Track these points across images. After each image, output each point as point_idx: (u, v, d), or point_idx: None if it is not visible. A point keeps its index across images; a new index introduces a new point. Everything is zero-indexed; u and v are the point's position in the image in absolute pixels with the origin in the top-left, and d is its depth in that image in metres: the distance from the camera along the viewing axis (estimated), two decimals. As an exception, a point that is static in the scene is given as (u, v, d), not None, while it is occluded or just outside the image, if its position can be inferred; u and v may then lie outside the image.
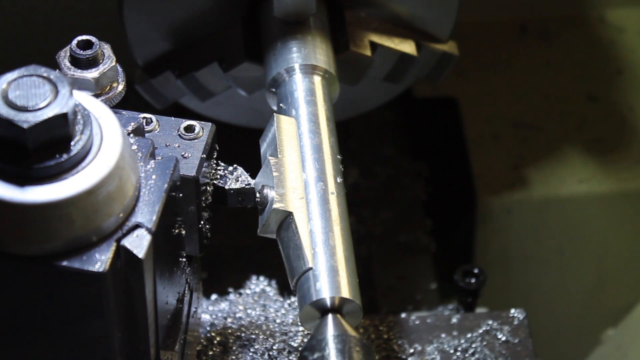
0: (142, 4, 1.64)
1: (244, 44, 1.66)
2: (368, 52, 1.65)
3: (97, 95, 1.31)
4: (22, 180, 1.13)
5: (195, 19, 1.67)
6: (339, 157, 1.46)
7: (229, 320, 1.59)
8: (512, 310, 1.62)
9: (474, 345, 1.58)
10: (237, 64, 1.66)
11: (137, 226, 1.19)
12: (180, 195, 1.28)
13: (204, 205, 1.35)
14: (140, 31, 1.67)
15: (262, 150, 1.46)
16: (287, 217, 1.37)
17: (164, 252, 1.26)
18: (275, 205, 1.36)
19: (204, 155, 1.33)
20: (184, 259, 1.35)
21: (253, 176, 1.40)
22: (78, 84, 1.30)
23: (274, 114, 1.47)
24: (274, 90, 1.57)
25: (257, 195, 1.38)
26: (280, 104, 1.54)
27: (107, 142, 1.17)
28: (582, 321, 2.28)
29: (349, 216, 1.41)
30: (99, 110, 1.20)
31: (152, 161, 1.25)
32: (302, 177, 1.40)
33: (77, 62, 1.31)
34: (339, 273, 1.33)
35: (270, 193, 1.37)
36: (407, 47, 1.68)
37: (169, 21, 1.67)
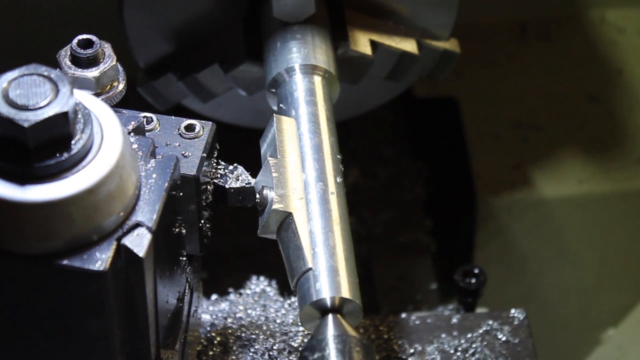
0: (142, 6, 1.64)
1: (244, 45, 1.66)
2: (369, 51, 1.65)
3: (97, 94, 1.31)
4: (22, 179, 1.13)
5: (196, 21, 1.67)
6: (339, 157, 1.46)
7: (229, 320, 1.59)
8: (512, 310, 1.62)
9: (474, 346, 1.58)
10: (238, 64, 1.66)
11: (137, 225, 1.19)
12: (181, 194, 1.29)
13: (204, 204, 1.35)
14: (141, 33, 1.67)
15: (262, 151, 1.46)
16: (286, 218, 1.37)
17: (164, 251, 1.26)
18: (275, 206, 1.36)
19: (205, 154, 1.33)
20: (185, 258, 1.36)
21: (253, 176, 1.40)
22: (78, 83, 1.30)
23: (274, 114, 1.47)
24: (274, 90, 1.57)
25: (257, 196, 1.38)
26: (281, 104, 1.54)
27: (108, 141, 1.18)
28: (582, 321, 2.28)
29: (349, 216, 1.41)
30: (99, 109, 1.20)
31: (153, 160, 1.25)
32: (302, 177, 1.40)
33: (77, 61, 1.32)
34: (339, 273, 1.33)
35: (270, 194, 1.37)
36: (408, 45, 1.68)
37: (169, 23, 1.67)
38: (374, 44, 1.66)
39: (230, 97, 1.75)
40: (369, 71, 1.67)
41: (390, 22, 1.69)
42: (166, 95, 1.72)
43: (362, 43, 1.65)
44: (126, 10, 1.65)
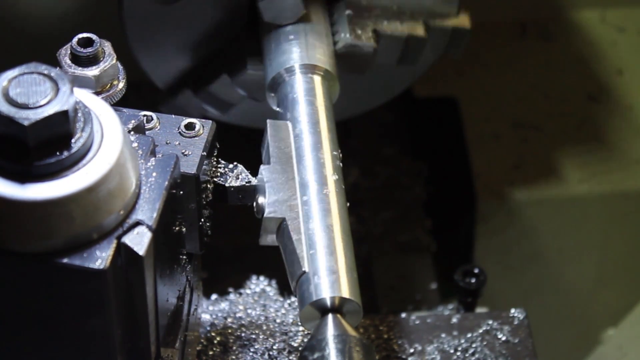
0: (147, 37, 1.67)
1: (246, 50, 1.66)
2: (371, 41, 1.63)
3: (97, 93, 1.31)
4: (22, 177, 1.13)
5: (202, 36, 1.68)
6: (339, 155, 1.46)
7: (229, 320, 1.59)
8: (512, 310, 1.62)
9: (474, 345, 1.58)
10: (242, 70, 1.66)
11: (137, 223, 1.19)
12: (181, 192, 1.29)
13: (204, 202, 1.35)
14: (153, 59, 1.70)
15: (263, 158, 1.46)
16: (281, 223, 1.37)
17: (164, 249, 1.26)
18: (266, 214, 1.36)
19: (205, 153, 1.33)
20: (185, 257, 1.36)
21: (253, 174, 1.40)
22: (79, 82, 1.30)
23: (268, 120, 1.47)
24: (273, 90, 1.57)
25: (255, 205, 1.38)
26: (280, 104, 1.54)
27: (108, 140, 1.18)
28: (582, 321, 2.28)
29: (349, 216, 1.41)
30: (99, 108, 1.20)
31: (153, 159, 1.25)
32: (296, 180, 1.40)
33: (77, 59, 1.32)
34: (339, 273, 1.32)
35: (264, 202, 1.37)
36: (414, 28, 1.66)
37: (177, 43, 1.69)
38: (376, 33, 1.65)
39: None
40: (374, 61, 1.65)
41: (394, 6, 1.67)
42: (188, 111, 1.73)
43: (364, 33, 1.63)
44: (132, 44, 1.67)
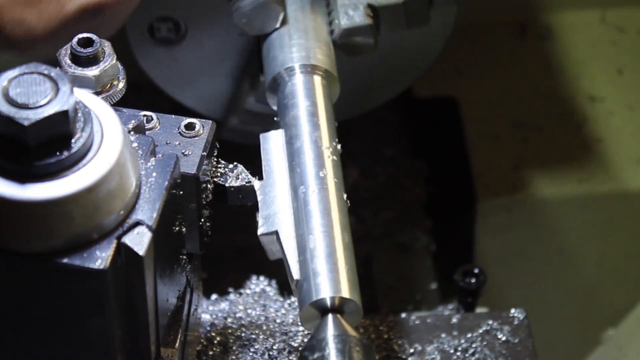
0: (177, 77, 1.70)
1: (258, 60, 1.67)
2: (365, 20, 1.61)
3: (97, 93, 1.31)
4: (22, 177, 1.13)
5: (224, 59, 1.70)
6: (338, 151, 1.45)
7: (229, 320, 1.59)
8: (512, 310, 1.62)
9: (474, 345, 1.58)
10: (257, 79, 1.67)
11: (137, 223, 1.19)
12: (181, 192, 1.29)
13: (204, 202, 1.35)
14: (194, 96, 1.73)
15: None
16: (277, 235, 1.37)
17: (164, 249, 1.26)
18: (259, 232, 1.37)
19: (205, 153, 1.33)
20: (185, 257, 1.36)
21: (253, 174, 1.40)
22: (79, 82, 1.30)
23: (260, 134, 1.47)
24: (273, 91, 1.57)
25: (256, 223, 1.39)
26: (280, 105, 1.54)
27: (108, 140, 1.17)
28: (582, 321, 2.29)
29: (348, 215, 1.41)
30: (99, 108, 1.20)
31: (153, 159, 1.25)
32: (288, 188, 1.40)
33: (77, 59, 1.31)
34: (339, 273, 1.32)
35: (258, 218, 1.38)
36: None
37: (207, 75, 1.70)
38: (372, 7, 1.62)
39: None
40: (376, 37, 1.63)
41: None
42: (244, 130, 1.73)
43: (357, 12, 1.62)
44: (172, 91, 1.71)
